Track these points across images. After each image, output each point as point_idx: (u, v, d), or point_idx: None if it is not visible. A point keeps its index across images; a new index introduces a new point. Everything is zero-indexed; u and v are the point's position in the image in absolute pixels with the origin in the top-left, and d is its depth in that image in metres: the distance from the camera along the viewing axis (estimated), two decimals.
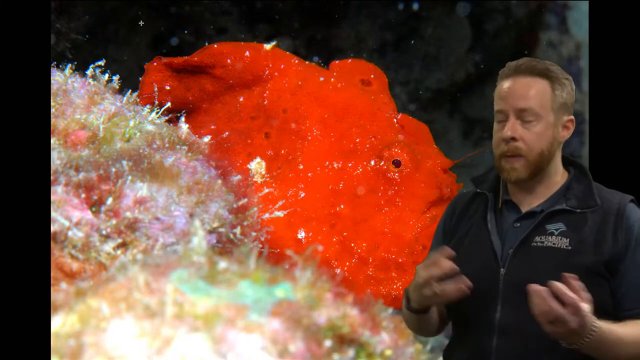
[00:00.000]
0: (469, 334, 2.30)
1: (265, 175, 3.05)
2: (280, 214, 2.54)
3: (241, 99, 3.16)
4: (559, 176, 2.31)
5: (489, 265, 2.26)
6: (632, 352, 2.13)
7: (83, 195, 1.81)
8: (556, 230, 2.23)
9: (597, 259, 2.19)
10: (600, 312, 2.13)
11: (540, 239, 2.23)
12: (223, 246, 2.00)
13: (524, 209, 2.29)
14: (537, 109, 2.22)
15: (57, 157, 1.86)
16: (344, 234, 2.94)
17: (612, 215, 2.22)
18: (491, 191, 2.35)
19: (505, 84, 2.27)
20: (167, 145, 2.09)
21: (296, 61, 3.15)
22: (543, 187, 2.29)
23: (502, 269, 2.24)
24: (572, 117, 2.29)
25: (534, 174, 2.25)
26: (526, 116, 2.21)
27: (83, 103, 2.13)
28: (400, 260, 2.93)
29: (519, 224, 2.27)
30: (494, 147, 2.28)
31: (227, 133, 3.12)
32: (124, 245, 1.81)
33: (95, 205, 1.81)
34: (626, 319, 2.17)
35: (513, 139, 2.21)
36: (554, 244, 2.22)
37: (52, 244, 1.75)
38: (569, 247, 2.20)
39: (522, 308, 2.13)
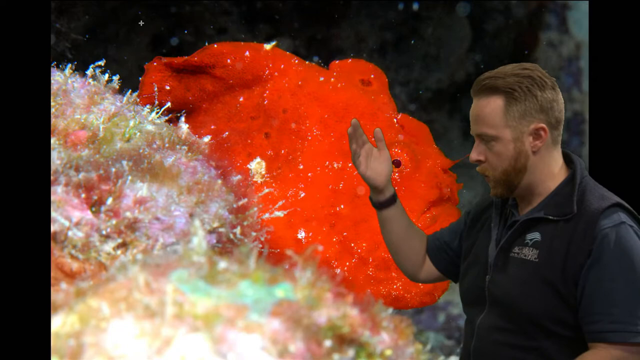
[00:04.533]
0: (463, 334, 2.38)
1: (265, 175, 3.05)
2: (280, 214, 2.54)
3: (241, 99, 3.16)
4: (552, 181, 2.26)
5: (481, 271, 2.31)
6: None
7: (83, 195, 1.81)
8: (531, 240, 2.23)
9: (560, 273, 2.16)
10: (562, 326, 2.15)
11: (518, 249, 2.25)
12: (223, 246, 2.00)
13: (519, 215, 2.31)
14: (489, 131, 2.21)
15: (57, 157, 1.86)
16: (344, 234, 2.94)
17: (584, 224, 2.15)
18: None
19: (471, 106, 2.31)
20: (167, 145, 2.09)
21: (296, 61, 3.15)
22: (536, 194, 2.28)
23: (487, 276, 2.28)
24: (541, 124, 2.20)
25: (510, 190, 2.25)
26: (485, 139, 2.23)
27: (83, 103, 2.13)
28: None
29: (509, 232, 2.30)
30: None
31: (227, 133, 3.12)
32: (124, 245, 1.81)
33: (95, 205, 1.81)
34: (588, 335, 2.14)
35: (479, 161, 2.25)
36: (525, 255, 2.23)
37: (52, 244, 1.75)
38: (537, 260, 2.19)
39: (496, 315, 2.24)
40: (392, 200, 2.39)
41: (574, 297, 2.14)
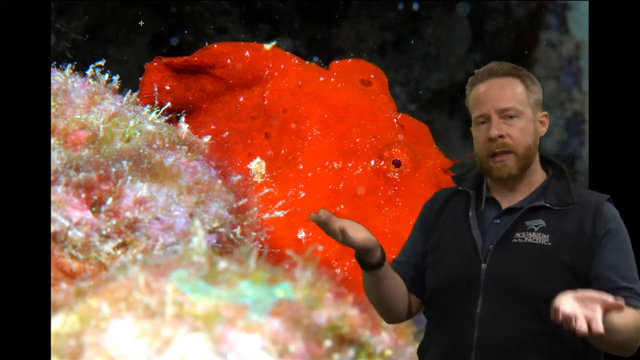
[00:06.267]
0: (448, 326, 2.33)
1: (265, 175, 3.05)
2: (280, 214, 2.54)
3: (241, 99, 3.16)
4: (538, 174, 2.38)
5: (470, 260, 2.30)
6: (622, 340, 2.19)
7: (83, 195, 1.81)
8: (536, 226, 2.30)
9: (575, 256, 2.26)
10: None
11: (521, 235, 2.29)
12: (223, 246, 2.00)
13: (504, 205, 2.33)
14: (517, 106, 2.33)
15: (57, 157, 1.86)
16: None
17: (590, 212, 2.30)
18: (473, 189, 2.39)
19: (480, 89, 2.40)
20: (167, 145, 2.09)
21: (296, 61, 3.15)
22: (523, 185, 2.36)
23: (483, 264, 2.28)
24: (545, 112, 2.39)
25: (523, 169, 2.34)
26: (508, 114, 2.30)
27: (83, 103, 2.13)
28: None
29: (498, 220, 2.32)
30: (479, 149, 2.36)
31: (227, 133, 3.12)
32: (124, 245, 1.81)
33: (95, 205, 1.82)
34: None
35: (501, 136, 2.28)
36: (534, 240, 2.28)
37: (52, 244, 1.75)
38: (549, 244, 2.27)
39: (504, 302, 2.24)
40: (383, 255, 2.33)
41: (588, 277, 2.26)
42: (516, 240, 2.28)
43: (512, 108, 2.31)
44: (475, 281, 2.28)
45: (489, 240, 2.31)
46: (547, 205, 2.31)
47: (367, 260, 2.30)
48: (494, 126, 2.30)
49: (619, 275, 2.24)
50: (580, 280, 2.24)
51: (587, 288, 2.20)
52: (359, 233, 2.24)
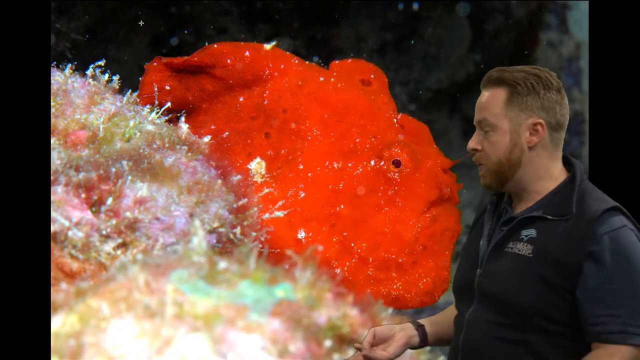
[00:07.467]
0: (454, 327, 2.37)
1: (265, 175, 3.05)
2: (280, 214, 2.54)
3: (241, 99, 3.16)
4: (549, 181, 2.31)
5: (473, 266, 2.33)
6: None
7: (83, 195, 1.81)
8: (526, 236, 2.25)
9: (555, 270, 2.18)
10: (551, 322, 2.17)
11: (512, 244, 2.27)
12: (223, 246, 2.00)
13: (513, 213, 2.34)
14: (489, 118, 2.29)
15: (57, 157, 1.86)
16: (344, 234, 2.94)
17: (583, 225, 2.17)
18: (496, 195, 2.41)
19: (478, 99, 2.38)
20: (167, 145, 2.09)
21: (296, 61, 3.15)
22: (533, 192, 2.31)
23: (478, 270, 2.29)
24: (539, 120, 2.25)
25: (501, 182, 2.29)
26: (483, 127, 2.28)
27: (83, 103, 2.13)
28: (400, 260, 2.93)
29: (504, 228, 2.31)
30: None
31: (227, 133, 3.12)
32: (124, 245, 1.81)
33: (95, 205, 1.81)
34: (591, 335, 2.15)
35: (475, 150, 2.28)
36: (519, 250, 2.25)
37: (52, 244, 1.75)
38: (530, 255, 2.22)
39: (486, 308, 2.25)
40: (424, 337, 2.34)
41: (569, 294, 2.17)
42: (507, 250, 2.27)
43: (483, 120, 2.30)
44: (471, 286, 2.31)
45: (490, 247, 2.32)
46: (541, 215, 2.25)
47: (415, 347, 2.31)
48: (471, 139, 2.33)
49: (602, 309, 2.11)
50: (557, 293, 2.17)
51: (564, 300, 2.15)
52: (392, 351, 2.23)
